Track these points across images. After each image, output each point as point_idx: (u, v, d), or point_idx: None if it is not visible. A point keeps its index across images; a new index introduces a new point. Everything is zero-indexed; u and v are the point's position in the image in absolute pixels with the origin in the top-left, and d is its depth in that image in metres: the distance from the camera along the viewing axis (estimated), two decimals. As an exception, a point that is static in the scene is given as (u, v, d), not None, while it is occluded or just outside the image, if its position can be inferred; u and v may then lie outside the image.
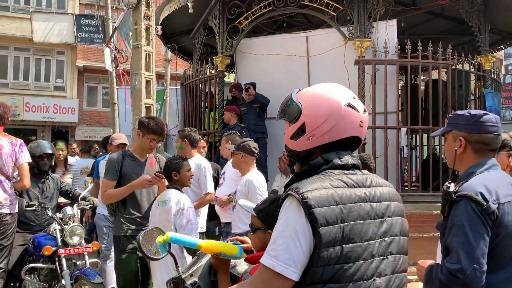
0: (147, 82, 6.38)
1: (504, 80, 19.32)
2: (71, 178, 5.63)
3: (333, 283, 1.24)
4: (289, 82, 7.47)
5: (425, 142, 9.09)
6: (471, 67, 7.40)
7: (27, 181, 4.02)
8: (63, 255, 3.87)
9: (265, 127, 7.02)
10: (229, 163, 4.60)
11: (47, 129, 18.61)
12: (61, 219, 4.10)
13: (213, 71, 7.64)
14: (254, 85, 7.08)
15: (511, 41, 8.80)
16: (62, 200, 4.81)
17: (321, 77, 7.23)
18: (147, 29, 6.37)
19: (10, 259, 4.08)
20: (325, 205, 1.26)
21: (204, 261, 1.79)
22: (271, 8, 7.06)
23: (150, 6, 6.47)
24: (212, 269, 1.72)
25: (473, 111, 1.98)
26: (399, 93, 7.57)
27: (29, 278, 3.99)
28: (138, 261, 3.55)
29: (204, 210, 4.33)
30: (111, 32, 11.09)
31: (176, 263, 1.91)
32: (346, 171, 1.39)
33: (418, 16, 7.88)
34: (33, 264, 4.04)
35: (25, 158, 4.05)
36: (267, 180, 5.38)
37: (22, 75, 18.67)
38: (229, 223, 4.26)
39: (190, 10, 7.08)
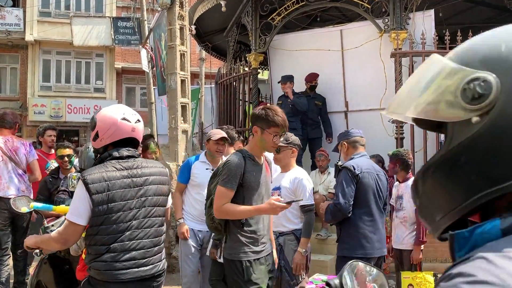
0: (182, 81, 6.48)
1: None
2: None
3: (103, 225, 2.19)
4: (324, 77, 7.40)
5: (466, 135, 8.78)
6: (515, 56, 7.07)
7: (38, 173, 4.86)
8: None
9: (297, 124, 6.81)
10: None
11: (89, 129, 19.23)
12: None
13: (246, 69, 7.66)
14: (285, 78, 6.95)
15: (558, 27, 8.37)
16: None
17: (356, 71, 7.13)
18: (181, 29, 6.46)
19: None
20: (97, 182, 2.18)
21: (62, 218, 2.81)
22: (304, 2, 7.00)
23: (184, 6, 6.55)
24: None
25: (350, 130, 3.72)
26: (438, 85, 7.34)
27: None
28: None
29: None
30: (147, 33, 11.32)
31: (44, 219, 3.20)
32: (120, 160, 2.30)
33: (457, 5, 7.60)
34: None
35: (34, 155, 4.95)
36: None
37: (64, 78, 19.37)
38: None
39: (223, 9, 7.13)
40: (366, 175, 3.42)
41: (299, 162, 6.39)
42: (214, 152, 4.02)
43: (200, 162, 4.13)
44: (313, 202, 3.71)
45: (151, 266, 2.33)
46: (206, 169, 4.05)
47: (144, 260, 2.29)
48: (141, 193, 2.31)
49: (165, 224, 2.49)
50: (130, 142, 2.37)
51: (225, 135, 4.05)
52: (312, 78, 7.09)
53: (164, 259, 2.47)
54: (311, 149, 7.02)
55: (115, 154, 2.29)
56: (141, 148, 6.22)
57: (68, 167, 4.57)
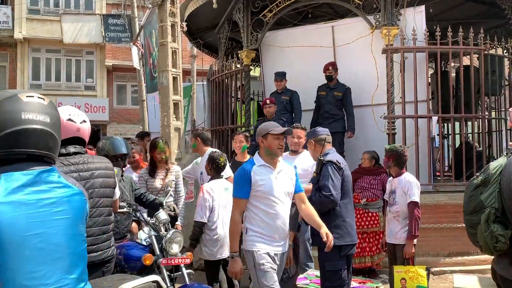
0: (174, 78, 6.46)
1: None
2: (173, 180, 4.86)
3: None
4: (316, 74, 7.39)
5: (457, 131, 8.86)
6: (505, 51, 7.13)
7: None
8: (164, 266, 3.29)
9: (289, 119, 6.76)
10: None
11: (79, 128, 19.09)
12: (154, 224, 3.51)
13: (238, 66, 7.65)
14: (281, 74, 6.94)
15: (547, 23, 8.45)
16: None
17: (348, 67, 7.14)
18: (173, 26, 6.44)
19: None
20: None
21: None
22: (295, -1, 7.00)
23: (175, 3, 6.53)
24: None
25: (317, 129, 4.00)
26: (429, 81, 7.38)
27: None
28: None
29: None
30: (137, 30, 11.26)
31: None
32: (68, 156, 2.58)
33: (447, 1, 7.65)
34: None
35: None
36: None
37: (54, 76, 19.20)
38: None
39: (215, 6, 7.10)
40: (346, 168, 3.74)
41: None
42: (276, 150, 3.27)
43: (259, 166, 3.28)
44: None
45: (100, 252, 2.62)
46: (271, 173, 3.28)
47: (94, 247, 2.55)
48: (88, 186, 2.56)
49: (112, 214, 2.80)
50: (78, 140, 2.65)
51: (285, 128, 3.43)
52: (325, 69, 6.83)
53: (113, 246, 2.77)
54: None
55: (62, 151, 2.52)
56: (147, 146, 5.94)
57: None
